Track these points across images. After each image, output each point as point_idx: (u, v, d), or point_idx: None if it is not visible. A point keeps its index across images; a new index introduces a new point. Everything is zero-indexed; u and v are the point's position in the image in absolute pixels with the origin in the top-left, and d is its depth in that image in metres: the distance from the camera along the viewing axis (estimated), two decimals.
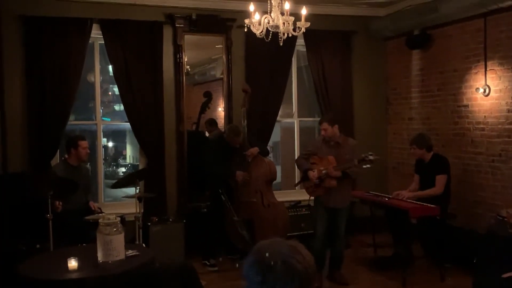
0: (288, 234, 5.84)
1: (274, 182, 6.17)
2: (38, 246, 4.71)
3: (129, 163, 11.23)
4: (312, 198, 5.37)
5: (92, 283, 3.30)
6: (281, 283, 1.31)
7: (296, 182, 5.62)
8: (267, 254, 1.36)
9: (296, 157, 6.94)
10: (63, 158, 5.62)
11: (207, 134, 7.46)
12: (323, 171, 5.01)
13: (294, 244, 1.41)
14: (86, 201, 5.42)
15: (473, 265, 4.61)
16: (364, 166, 4.91)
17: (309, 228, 6.27)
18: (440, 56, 6.45)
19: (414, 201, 5.35)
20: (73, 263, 3.41)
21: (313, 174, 5.08)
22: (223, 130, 6.35)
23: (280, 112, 7.00)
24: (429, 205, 5.16)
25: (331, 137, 5.13)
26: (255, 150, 5.83)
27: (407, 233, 5.38)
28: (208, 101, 7.35)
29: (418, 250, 5.70)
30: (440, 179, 5.44)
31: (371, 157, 4.83)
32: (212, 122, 7.14)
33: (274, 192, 6.05)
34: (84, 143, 5.35)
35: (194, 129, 7.22)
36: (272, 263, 1.33)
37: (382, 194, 5.89)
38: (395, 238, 5.80)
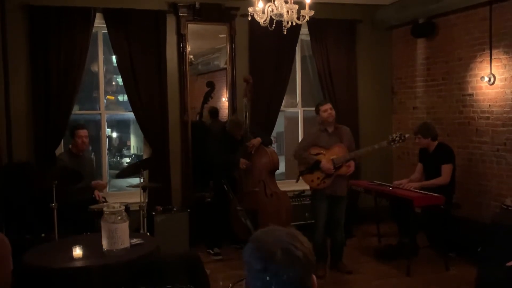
0: (291, 224, 5.85)
1: (279, 172, 6.16)
2: (43, 235, 4.74)
3: (133, 154, 11.25)
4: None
5: (97, 271, 3.31)
6: (282, 271, 1.32)
7: (297, 176, 5.38)
8: (266, 242, 1.36)
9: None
10: (67, 148, 5.64)
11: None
12: (335, 160, 5.00)
13: (292, 232, 1.41)
14: (90, 187, 5.41)
15: (478, 254, 4.61)
16: (394, 145, 5.18)
17: (313, 218, 6.27)
18: (445, 45, 6.41)
19: (419, 191, 5.34)
20: (78, 252, 3.42)
21: (328, 165, 5.02)
22: (225, 120, 6.35)
23: (284, 102, 6.97)
24: (433, 194, 5.16)
25: (332, 121, 5.10)
26: (256, 141, 5.82)
27: (412, 222, 5.38)
28: (211, 91, 7.33)
29: (423, 240, 5.70)
30: (446, 169, 5.43)
31: (403, 138, 5.06)
32: (213, 112, 7.11)
33: (278, 182, 6.05)
34: (81, 132, 5.33)
35: (198, 119, 7.22)
36: (272, 251, 1.33)
37: (387, 184, 5.89)
38: (399, 228, 5.80)
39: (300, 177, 5.27)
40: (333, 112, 5.10)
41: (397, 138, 5.06)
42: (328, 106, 5.10)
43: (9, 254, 1.71)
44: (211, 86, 7.37)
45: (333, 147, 5.06)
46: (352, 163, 5.05)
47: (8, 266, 1.71)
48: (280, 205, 5.74)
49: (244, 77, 6.06)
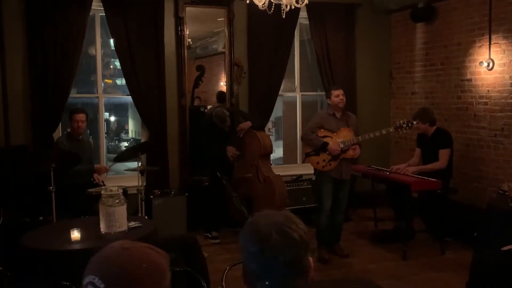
0: (287, 208, 5.85)
1: (277, 156, 6.15)
2: (41, 218, 4.76)
3: (131, 138, 11.22)
4: (312, 172, 5.38)
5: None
6: (279, 253, 1.33)
7: (304, 158, 5.43)
8: (262, 225, 1.37)
9: (299, 133, 6.93)
10: (66, 131, 5.64)
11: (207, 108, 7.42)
12: (342, 143, 5.03)
13: (288, 214, 1.43)
14: (92, 170, 5.42)
15: (474, 238, 4.64)
16: (400, 132, 5.26)
17: (310, 202, 6.30)
18: (445, 30, 6.38)
19: (416, 175, 5.37)
20: (76, 234, 3.43)
21: (335, 146, 5.05)
22: (218, 106, 6.32)
23: (282, 86, 6.94)
24: (430, 179, 5.18)
25: (342, 107, 5.16)
26: (245, 125, 5.78)
27: (408, 207, 5.41)
28: (201, 75, 7.29)
29: (419, 224, 5.74)
30: (444, 153, 5.45)
31: (410, 125, 5.13)
32: (221, 96, 7.05)
33: (276, 166, 6.03)
34: (78, 116, 5.30)
35: (190, 104, 7.19)
36: (268, 233, 1.34)
37: (384, 168, 5.91)
38: (396, 212, 5.83)
39: (306, 159, 5.31)
40: (344, 98, 5.16)
41: (404, 125, 5.13)
42: (340, 91, 5.14)
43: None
44: (201, 70, 7.33)
45: (341, 131, 5.12)
46: (357, 147, 5.11)
47: None
48: (273, 189, 5.68)
49: (234, 60, 6.03)
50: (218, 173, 5.21)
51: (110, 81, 9.62)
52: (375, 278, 4.53)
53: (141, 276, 1.14)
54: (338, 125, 5.14)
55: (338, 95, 5.11)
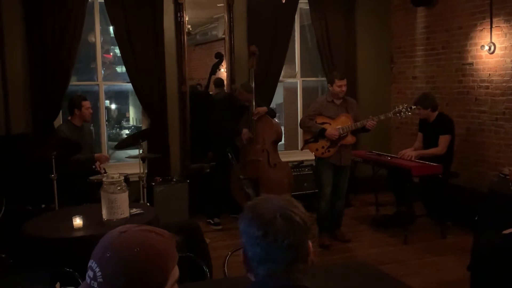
0: (292, 194, 5.88)
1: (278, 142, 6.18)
2: (43, 206, 4.77)
3: (132, 125, 11.22)
4: (313, 158, 5.38)
5: (97, 241, 3.33)
6: (281, 236, 1.33)
7: (303, 145, 5.44)
8: (264, 209, 1.37)
9: (300, 119, 6.93)
10: (67, 119, 5.63)
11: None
12: (341, 129, 5.02)
13: (287, 198, 1.43)
14: (93, 159, 5.43)
15: (474, 222, 4.65)
16: (400, 117, 5.28)
17: (311, 188, 6.32)
18: (446, 13, 6.34)
19: (417, 160, 5.37)
20: (78, 221, 3.44)
21: (333, 131, 5.04)
22: (227, 91, 6.33)
23: (282, 72, 6.92)
24: (431, 163, 5.18)
25: (342, 95, 5.13)
26: (262, 109, 5.80)
27: (409, 191, 5.41)
28: (219, 62, 7.29)
29: (420, 209, 5.75)
30: (444, 140, 5.44)
31: (409, 109, 5.12)
32: (219, 82, 7.06)
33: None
34: (87, 103, 5.35)
35: (203, 89, 7.20)
36: (271, 217, 1.35)
37: (385, 153, 5.91)
38: (397, 197, 5.84)
39: (305, 146, 5.30)
40: (346, 88, 5.11)
41: (403, 110, 5.10)
42: (344, 82, 5.08)
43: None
44: (219, 57, 7.31)
45: (339, 117, 5.10)
46: (371, 122, 5.05)
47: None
48: (282, 175, 5.78)
49: (251, 49, 5.98)
50: (229, 153, 5.21)
51: (110, 56, 9.57)
52: (376, 263, 4.55)
53: (133, 259, 1.13)
54: (337, 112, 5.12)
55: (341, 86, 5.05)
